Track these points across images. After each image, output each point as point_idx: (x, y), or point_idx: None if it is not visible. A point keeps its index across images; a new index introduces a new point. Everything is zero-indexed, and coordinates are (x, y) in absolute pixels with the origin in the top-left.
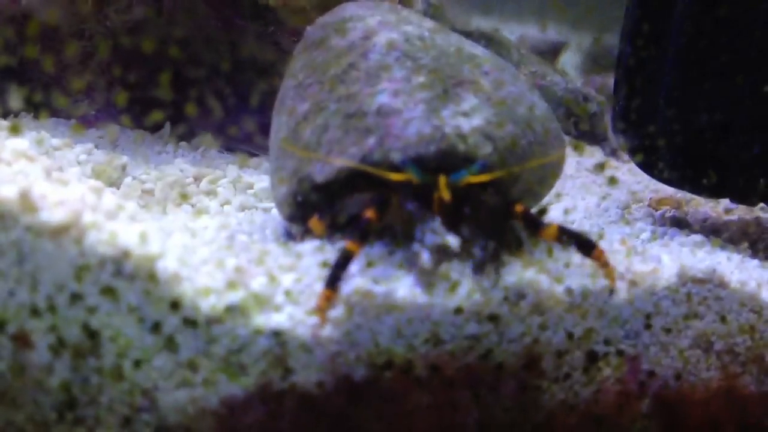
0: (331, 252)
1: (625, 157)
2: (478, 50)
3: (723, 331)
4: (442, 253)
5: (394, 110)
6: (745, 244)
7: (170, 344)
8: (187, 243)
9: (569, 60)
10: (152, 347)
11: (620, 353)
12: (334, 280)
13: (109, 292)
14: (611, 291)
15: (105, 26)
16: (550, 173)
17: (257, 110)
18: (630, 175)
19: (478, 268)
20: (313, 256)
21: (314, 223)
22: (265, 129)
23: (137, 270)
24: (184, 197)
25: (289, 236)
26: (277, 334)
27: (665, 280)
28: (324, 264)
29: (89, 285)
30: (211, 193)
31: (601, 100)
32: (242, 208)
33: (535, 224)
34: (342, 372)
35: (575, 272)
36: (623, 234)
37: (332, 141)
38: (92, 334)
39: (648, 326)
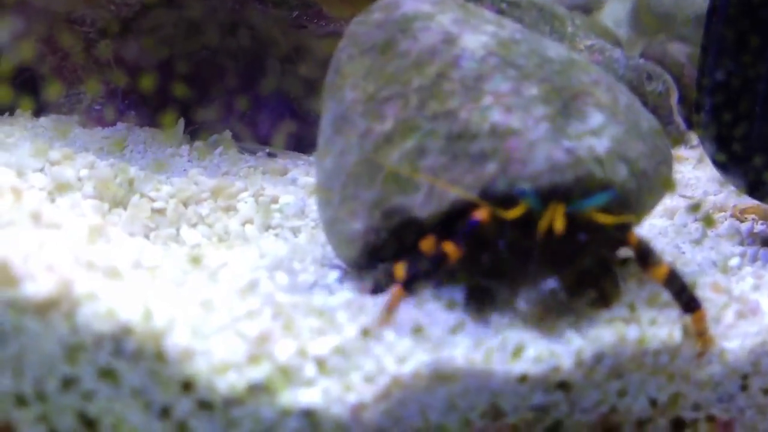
0: (372, 307)
1: (695, 143)
2: (573, 54)
3: None
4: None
5: (513, 130)
6: None
7: (180, 426)
8: (201, 300)
9: (611, 14)
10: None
11: (711, 419)
12: (414, 278)
13: (108, 374)
14: (700, 355)
15: (109, 10)
16: (668, 179)
17: (281, 103)
18: (702, 170)
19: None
20: (347, 311)
21: (400, 269)
22: (288, 125)
23: (141, 348)
24: (200, 217)
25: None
26: (308, 414)
27: (763, 336)
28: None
29: (84, 367)
30: (230, 210)
31: (665, 77)
32: (266, 228)
33: (646, 259)
34: None
35: (663, 327)
36: (710, 263)
37: (435, 168)
38: (90, 423)
39: (744, 388)
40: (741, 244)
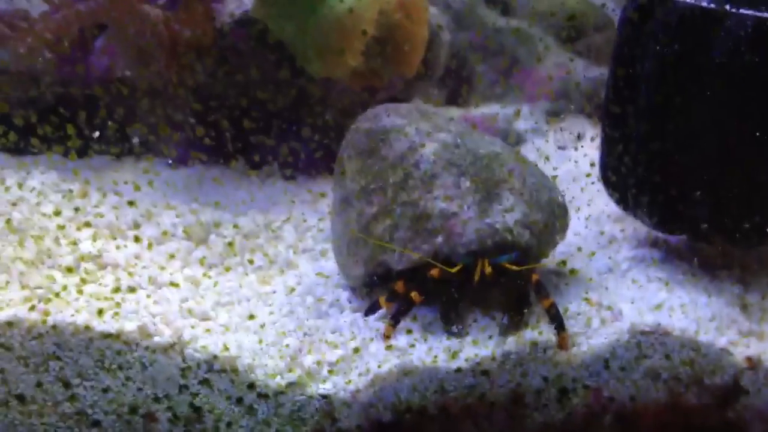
0: (363, 328)
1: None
2: (497, 146)
3: (668, 365)
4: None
5: (453, 213)
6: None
7: (250, 411)
8: (258, 325)
9: None
10: (238, 414)
11: (586, 387)
12: (397, 318)
13: (205, 382)
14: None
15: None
16: (562, 231)
17: (307, 142)
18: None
19: (504, 332)
20: (350, 329)
21: (383, 301)
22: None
23: (223, 367)
24: (258, 246)
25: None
26: (325, 397)
27: (618, 335)
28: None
29: (191, 379)
30: (278, 238)
31: None
32: (302, 251)
33: (540, 293)
34: (374, 418)
35: (547, 334)
36: (606, 268)
37: (404, 239)
38: (196, 410)
39: (606, 367)
40: (636, 247)
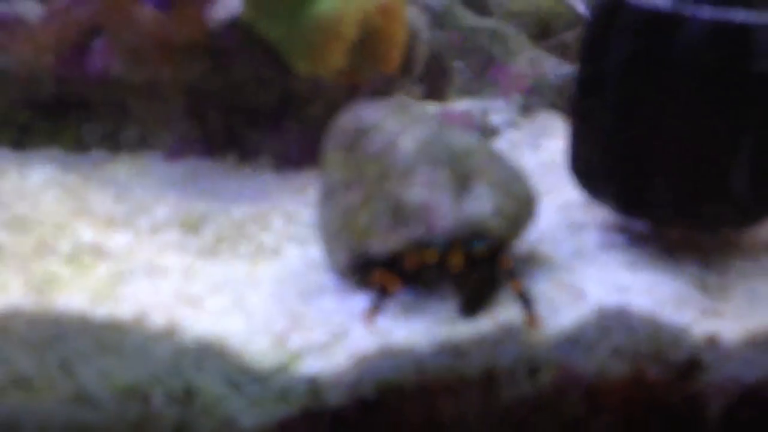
0: (347, 312)
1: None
2: (472, 140)
3: (631, 344)
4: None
5: (429, 204)
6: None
7: (241, 392)
8: (248, 312)
9: None
10: (229, 394)
11: (554, 365)
12: (377, 306)
13: (197, 366)
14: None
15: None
16: (531, 218)
17: (294, 137)
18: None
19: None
20: (338, 314)
21: (383, 277)
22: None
23: (216, 352)
24: (247, 236)
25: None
26: (311, 379)
27: (584, 316)
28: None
29: (184, 362)
30: (267, 227)
31: None
32: (289, 240)
33: (510, 276)
34: (358, 397)
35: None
36: (574, 251)
37: (384, 228)
38: (189, 391)
39: (574, 346)
40: (604, 232)
